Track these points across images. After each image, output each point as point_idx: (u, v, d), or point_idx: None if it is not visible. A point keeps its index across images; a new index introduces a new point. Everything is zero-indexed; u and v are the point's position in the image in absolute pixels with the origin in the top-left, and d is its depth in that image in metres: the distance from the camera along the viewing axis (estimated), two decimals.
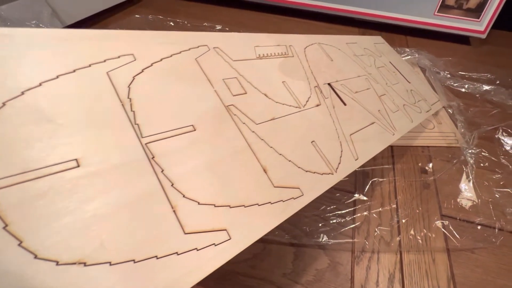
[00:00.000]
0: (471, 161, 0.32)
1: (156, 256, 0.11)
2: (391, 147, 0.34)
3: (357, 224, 0.27)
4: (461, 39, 0.55)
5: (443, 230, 0.27)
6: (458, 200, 0.30)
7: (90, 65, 0.14)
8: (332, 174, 0.19)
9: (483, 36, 0.52)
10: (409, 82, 0.36)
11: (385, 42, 0.41)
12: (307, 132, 0.20)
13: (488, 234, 0.27)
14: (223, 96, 0.18)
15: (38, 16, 0.40)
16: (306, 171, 0.18)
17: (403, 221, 0.28)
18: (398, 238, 0.26)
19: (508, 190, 0.30)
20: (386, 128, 0.26)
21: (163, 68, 0.16)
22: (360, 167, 0.32)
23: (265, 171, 0.17)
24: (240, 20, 0.57)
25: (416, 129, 0.36)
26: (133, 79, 0.15)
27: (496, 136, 0.36)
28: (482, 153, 0.34)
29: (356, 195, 0.29)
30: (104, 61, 0.14)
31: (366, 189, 0.30)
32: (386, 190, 0.30)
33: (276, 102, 0.20)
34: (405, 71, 0.37)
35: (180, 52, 0.18)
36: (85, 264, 0.10)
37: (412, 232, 0.27)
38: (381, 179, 0.31)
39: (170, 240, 0.12)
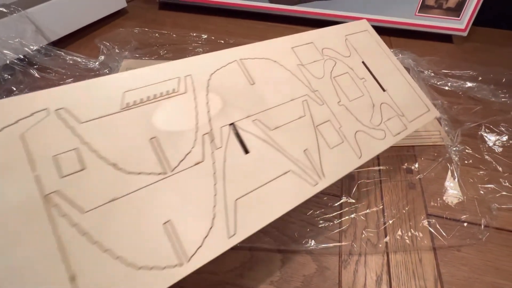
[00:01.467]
0: (456, 159, 0.33)
1: None
2: None
3: (344, 227, 0.27)
4: (444, 38, 0.56)
5: (429, 229, 0.27)
6: (444, 198, 0.30)
7: None
8: (182, 265, 0.15)
9: (464, 34, 0.53)
10: (384, 91, 0.28)
11: (368, 29, 0.31)
12: (162, 209, 0.16)
13: (474, 231, 0.27)
14: (46, 181, 0.15)
15: (22, 34, 0.40)
16: (139, 268, 0.15)
17: (390, 222, 0.28)
18: (385, 240, 0.27)
19: (493, 186, 0.31)
20: (307, 177, 0.21)
21: None
22: None
23: (72, 279, 0.14)
24: (226, 28, 0.57)
25: None
26: None
27: (479, 133, 0.36)
28: (466, 151, 0.34)
29: (344, 198, 0.30)
30: None
31: (353, 191, 0.30)
32: (372, 192, 0.30)
33: (129, 173, 0.17)
34: (382, 74, 0.29)
35: (1, 129, 0.15)
36: None
37: (399, 233, 0.27)
38: (367, 181, 0.31)
39: None
